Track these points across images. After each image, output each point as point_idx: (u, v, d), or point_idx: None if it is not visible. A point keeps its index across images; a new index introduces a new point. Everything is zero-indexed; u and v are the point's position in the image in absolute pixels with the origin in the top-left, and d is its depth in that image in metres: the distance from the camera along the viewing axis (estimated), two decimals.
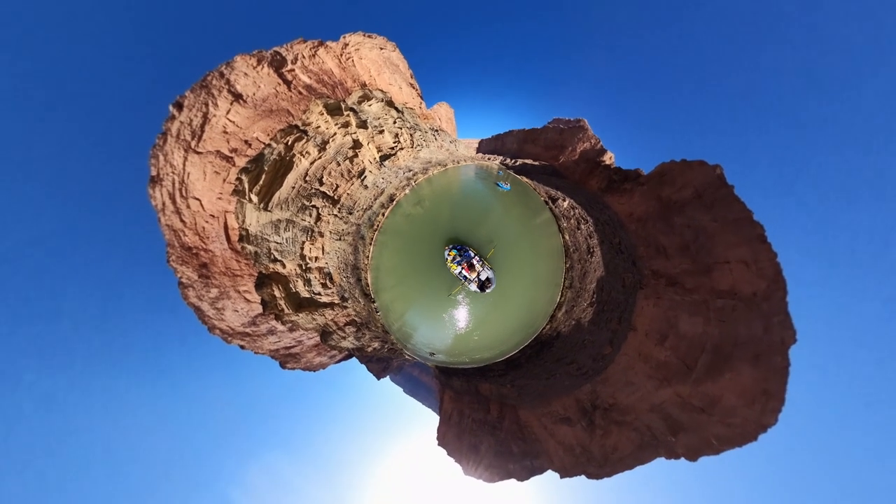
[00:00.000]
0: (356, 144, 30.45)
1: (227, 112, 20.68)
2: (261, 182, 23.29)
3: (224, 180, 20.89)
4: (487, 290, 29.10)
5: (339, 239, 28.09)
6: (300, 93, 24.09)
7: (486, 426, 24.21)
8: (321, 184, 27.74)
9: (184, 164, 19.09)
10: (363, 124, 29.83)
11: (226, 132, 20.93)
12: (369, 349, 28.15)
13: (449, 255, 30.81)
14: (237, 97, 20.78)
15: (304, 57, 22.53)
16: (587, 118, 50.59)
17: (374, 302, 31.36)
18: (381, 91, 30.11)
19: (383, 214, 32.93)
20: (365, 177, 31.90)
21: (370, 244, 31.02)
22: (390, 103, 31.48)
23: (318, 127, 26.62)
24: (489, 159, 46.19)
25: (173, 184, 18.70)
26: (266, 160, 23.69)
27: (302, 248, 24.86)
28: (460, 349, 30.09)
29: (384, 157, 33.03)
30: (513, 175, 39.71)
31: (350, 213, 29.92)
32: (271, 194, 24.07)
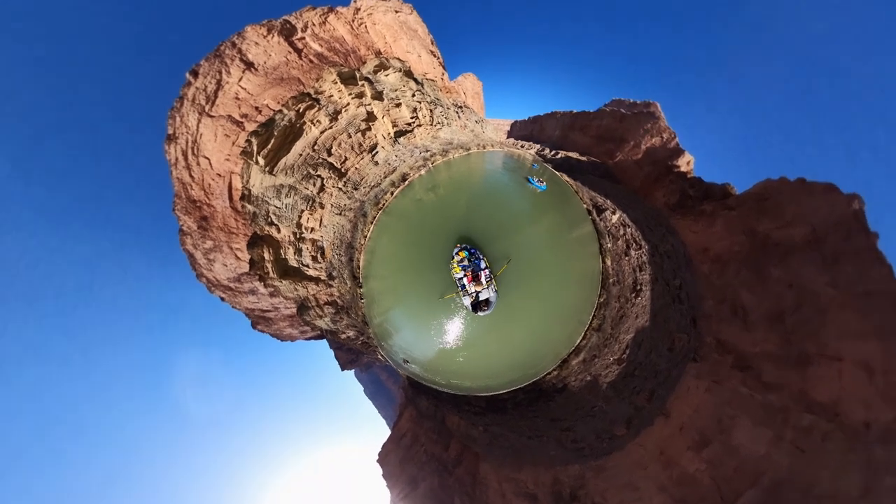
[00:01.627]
0: (370, 117, 31.32)
1: (240, 80, 22.83)
2: (269, 146, 25.55)
3: (233, 143, 23.39)
4: (480, 314, 24.92)
5: (340, 213, 29.85)
6: (311, 61, 25.37)
7: (437, 464, 21.35)
8: (329, 154, 29.42)
9: (197, 126, 21.83)
10: (379, 96, 30.43)
11: (237, 98, 23.22)
12: (343, 336, 28.69)
13: (458, 255, 26.60)
14: (249, 65, 22.74)
15: (313, 24, 23.51)
16: (660, 103, 44.70)
17: (360, 287, 29.61)
18: (399, 60, 30.13)
19: (392, 193, 33.75)
20: (377, 152, 32.87)
21: (371, 223, 32.03)
22: (409, 73, 31.42)
23: (331, 96, 27.90)
24: (522, 147, 43.67)
25: (186, 142, 21.63)
26: (276, 125, 25.78)
27: (300, 217, 27.07)
28: (439, 367, 25.93)
29: (399, 134, 33.51)
30: (550, 170, 34.93)
31: (356, 189, 31.41)
32: (278, 159, 26.33)
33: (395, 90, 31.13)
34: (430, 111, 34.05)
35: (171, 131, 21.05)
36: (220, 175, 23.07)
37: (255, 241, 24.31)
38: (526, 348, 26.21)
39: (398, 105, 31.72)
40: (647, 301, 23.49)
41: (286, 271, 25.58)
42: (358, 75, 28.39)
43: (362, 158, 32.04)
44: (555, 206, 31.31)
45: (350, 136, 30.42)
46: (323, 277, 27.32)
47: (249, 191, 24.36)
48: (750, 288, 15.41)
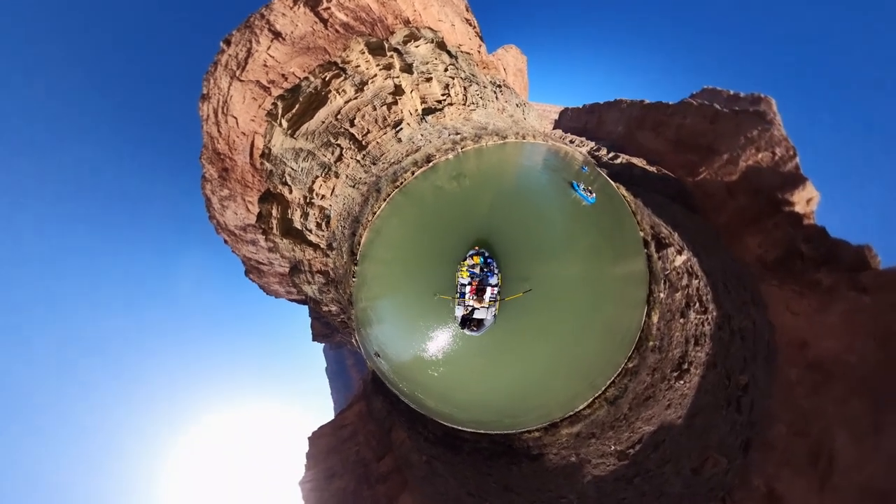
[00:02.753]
0: (397, 90, 31.44)
1: (268, 48, 25.04)
2: (293, 111, 27.81)
3: (259, 106, 26.13)
4: (467, 332, 20.91)
5: (353, 186, 31.28)
6: (337, 31, 26.32)
7: (362, 470, 19.66)
8: (352, 125, 30.72)
9: (228, 88, 24.90)
10: (408, 68, 30.24)
11: (265, 66, 25.61)
12: (325, 308, 28.56)
13: (471, 259, 22.37)
14: (276, 35, 24.72)
15: None
16: (775, 99, 35.46)
17: (355, 265, 27.75)
18: (430, 29, 29.18)
19: (412, 173, 33.73)
20: (401, 129, 33.09)
21: (384, 200, 32.65)
22: (441, 45, 30.32)
23: (358, 66, 28.76)
24: (572, 143, 38.94)
25: (218, 102, 24.94)
26: (302, 92, 27.83)
27: (313, 182, 29.26)
28: (409, 374, 22.76)
29: (428, 111, 33.02)
30: (604, 178, 29.09)
31: (374, 164, 32.38)
32: (301, 124, 28.56)
33: (426, 63, 30.49)
34: (464, 88, 32.61)
35: (205, 91, 24.45)
36: (244, 133, 26.11)
37: (267, 197, 27.31)
38: (513, 391, 21.23)
39: (428, 79, 31.12)
40: (692, 391, 17.28)
41: (289, 231, 28.24)
42: (386, 46, 28.52)
43: (385, 133, 32.68)
44: (602, 226, 24.75)
45: (375, 109, 31.16)
46: (322, 245, 29.35)
47: (270, 150, 27.14)
48: (856, 433, 9.63)
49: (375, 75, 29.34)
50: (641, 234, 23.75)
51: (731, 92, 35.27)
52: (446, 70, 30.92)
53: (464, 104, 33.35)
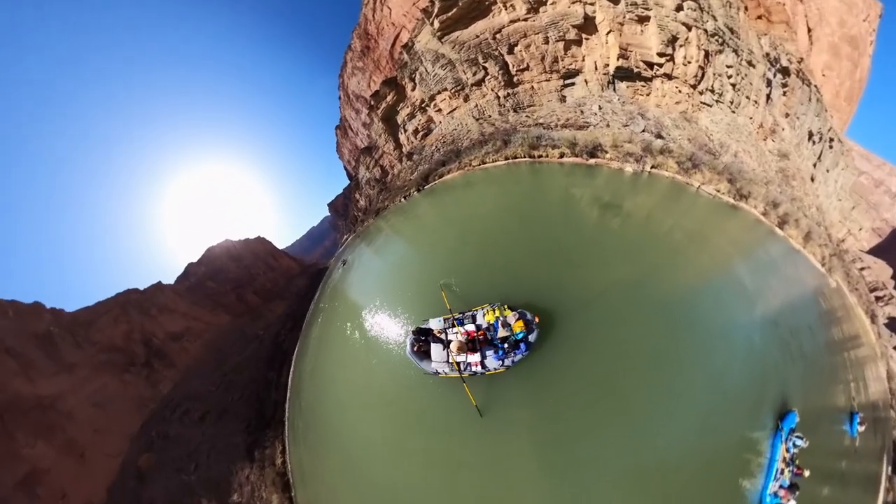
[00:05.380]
0: (586, 25, 21.16)
1: None
2: (449, 14, 24.09)
3: (413, 3, 24.70)
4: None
5: (477, 119, 25.74)
6: None
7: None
8: (509, 52, 23.97)
9: None
10: None
11: None
12: (357, 195, 29.32)
13: (508, 313, 12.83)
14: None
15: None
16: None
17: (408, 197, 24.34)
18: None
19: (561, 156, 23.08)
20: (573, 84, 23.25)
21: (503, 158, 25.01)
22: None
23: None
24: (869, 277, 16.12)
25: None
26: None
27: (438, 93, 25.76)
28: (336, 374, 17.70)
29: (624, 75, 21.17)
30: None
31: (515, 110, 24.97)
32: (452, 30, 24.67)
33: None
34: (705, 56, 18.30)
35: None
36: (393, 24, 25.65)
37: (390, 83, 27.22)
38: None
39: (642, 20, 19.12)
40: None
41: (389, 119, 27.85)
42: None
43: (548, 80, 24.09)
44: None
45: (546, 43, 22.80)
46: (405, 150, 27.63)
47: (413, 44, 25.60)
48: None
49: None
50: None
51: None
52: (680, 11, 17.73)
53: (694, 86, 19.29)
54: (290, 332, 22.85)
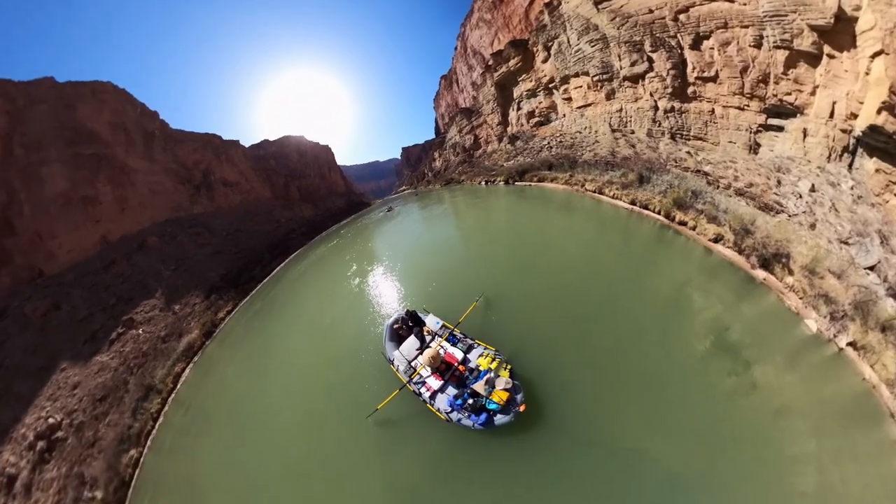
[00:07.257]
0: (834, 33, 11.06)
1: None
2: None
3: None
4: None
5: (616, 130, 19.55)
6: None
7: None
8: (695, 45, 15.54)
9: None
10: None
11: None
12: (437, 154, 31.92)
13: (494, 364, 9.17)
14: None
15: None
16: None
17: (502, 182, 23.60)
18: None
19: (695, 227, 15.02)
20: (779, 130, 13.85)
21: (621, 196, 17.38)
22: None
23: None
24: None
25: None
26: None
27: (574, 75, 20.06)
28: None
29: (877, 144, 10.59)
30: None
31: (672, 137, 17.19)
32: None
33: None
34: None
35: None
36: None
37: (518, 45, 22.74)
38: None
39: None
40: None
41: (503, 87, 24.43)
42: None
43: (740, 108, 15.17)
44: None
45: (757, 46, 13.52)
46: (510, 132, 24.64)
47: (559, 4, 20.06)
48: None
49: None
50: None
51: None
52: None
53: None
54: (303, 235, 29.07)
